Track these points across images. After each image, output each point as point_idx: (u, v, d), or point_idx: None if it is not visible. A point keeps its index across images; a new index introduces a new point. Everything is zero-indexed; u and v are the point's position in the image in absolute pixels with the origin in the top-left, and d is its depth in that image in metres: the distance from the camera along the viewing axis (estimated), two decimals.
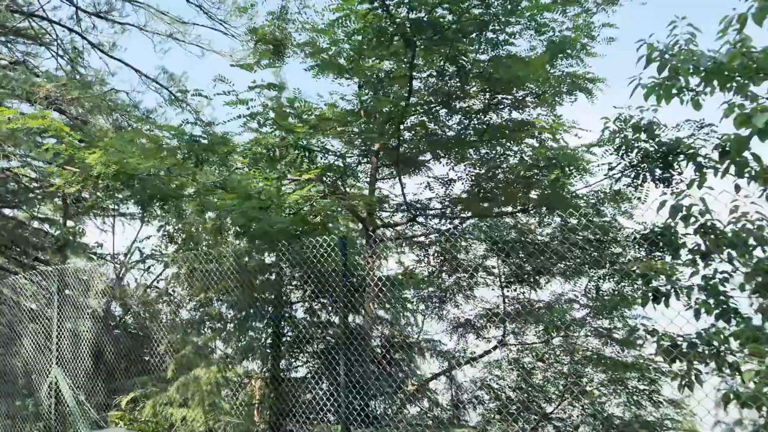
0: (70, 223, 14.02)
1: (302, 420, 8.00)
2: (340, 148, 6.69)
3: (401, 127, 5.82)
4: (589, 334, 7.59)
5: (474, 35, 5.05)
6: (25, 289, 8.98)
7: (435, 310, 8.59)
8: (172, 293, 10.51)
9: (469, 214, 7.03)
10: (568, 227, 6.17)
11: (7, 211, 12.15)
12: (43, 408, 7.58)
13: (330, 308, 7.26)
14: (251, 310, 8.23)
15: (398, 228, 7.46)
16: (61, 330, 7.56)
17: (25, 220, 12.22)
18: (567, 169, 5.57)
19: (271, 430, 7.70)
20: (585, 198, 6.35)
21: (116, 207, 13.03)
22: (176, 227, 11.95)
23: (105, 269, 11.64)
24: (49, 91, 8.67)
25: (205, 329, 8.81)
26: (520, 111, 6.15)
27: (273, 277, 8.36)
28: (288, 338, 8.29)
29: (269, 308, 8.23)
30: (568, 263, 6.37)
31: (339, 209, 6.55)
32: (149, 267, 11.69)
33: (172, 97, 11.25)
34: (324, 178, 6.73)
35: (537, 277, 6.99)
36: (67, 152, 7.17)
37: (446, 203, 7.23)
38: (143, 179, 7.15)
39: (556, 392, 7.74)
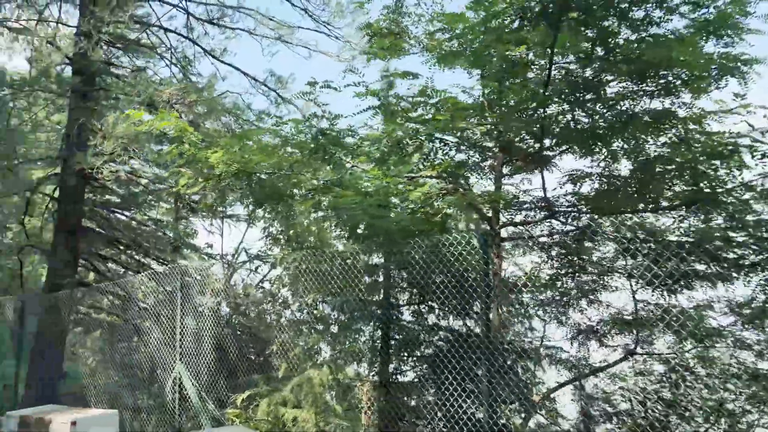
0: (176, 225, 14.63)
1: (412, 425, 7.77)
2: (458, 142, 6.37)
3: (539, 116, 5.42)
4: (730, 344, 6.86)
5: (626, 13, 4.61)
6: (147, 288, 9.33)
7: (555, 315, 8.11)
8: (277, 293, 10.62)
9: (600, 212, 6.51)
10: (724, 226, 5.53)
11: (126, 213, 12.80)
12: (167, 402, 7.77)
13: (455, 310, 6.95)
14: (356, 313, 8.12)
15: (522, 227, 7.06)
16: (183, 327, 7.74)
17: (142, 222, 12.82)
18: (752, 155, 4.96)
19: None
20: (741, 191, 5.67)
21: (224, 209, 13.45)
22: (279, 229, 12.13)
23: (216, 269, 11.98)
24: (171, 95, 8.99)
25: (313, 330, 8.80)
26: (666, 97, 5.58)
27: (381, 278, 8.22)
28: (397, 341, 8.11)
29: (378, 310, 8.08)
30: (722, 265, 5.72)
31: (462, 207, 6.24)
32: (257, 267, 11.94)
33: (279, 99, 11.46)
34: (444, 174, 6.45)
35: (680, 281, 6.36)
36: (190, 152, 7.31)
37: (574, 200, 6.75)
38: (261, 179, 7.19)
39: (697, 408, 7.04)
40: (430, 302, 8.08)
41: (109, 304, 11.04)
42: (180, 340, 7.64)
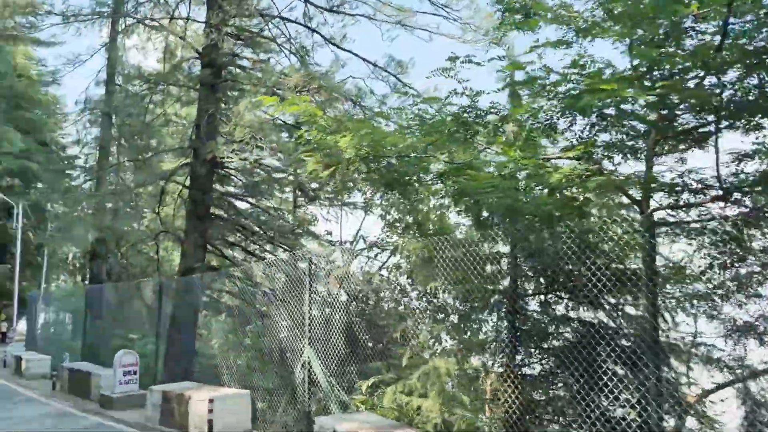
0: (295, 212, 14.98)
1: (540, 419, 7.38)
2: (613, 118, 5.80)
3: (711, 86, 4.80)
4: None
5: None
6: (273, 273, 9.55)
7: (706, 310, 7.35)
8: (396, 281, 10.51)
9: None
10: None
11: (249, 201, 13.27)
12: (297, 385, 7.90)
13: (594, 300, 6.46)
14: (476, 303, 7.83)
15: (677, 212, 6.42)
16: (311, 312, 7.81)
17: (265, 209, 13.23)
18: None
19: (508, 428, 7.19)
20: None
21: (341, 197, 13.59)
22: (397, 216, 12.02)
23: (335, 256, 12.13)
24: (297, 81, 9.11)
25: (433, 319, 8.61)
26: None
27: (506, 266, 7.86)
28: (524, 332, 7.73)
29: (503, 299, 7.75)
30: None
31: (609, 190, 5.74)
32: (376, 255, 11.93)
33: (399, 84, 11.33)
34: (589, 154, 5.96)
35: None
36: (318, 138, 7.31)
37: (736, 182, 6.02)
38: (390, 162, 7.05)
39: None
40: (560, 292, 7.62)
41: (236, 288, 11.47)
42: (309, 324, 7.71)
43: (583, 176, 5.93)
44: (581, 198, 6.08)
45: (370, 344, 10.21)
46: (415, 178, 7.52)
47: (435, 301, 8.69)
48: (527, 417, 7.09)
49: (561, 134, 5.51)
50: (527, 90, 5.45)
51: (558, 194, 6.38)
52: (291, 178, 13.19)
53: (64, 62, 14.46)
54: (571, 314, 7.61)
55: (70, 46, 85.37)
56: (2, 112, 24.02)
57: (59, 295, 22.27)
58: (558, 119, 5.45)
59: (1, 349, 23.78)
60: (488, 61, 5.42)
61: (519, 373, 7.54)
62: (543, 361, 7.82)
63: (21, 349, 18.91)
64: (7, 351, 19.66)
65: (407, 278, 9.78)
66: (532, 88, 5.32)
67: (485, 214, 7.85)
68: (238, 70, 12.07)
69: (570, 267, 6.70)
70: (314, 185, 13.10)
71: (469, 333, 8.14)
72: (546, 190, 6.53)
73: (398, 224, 12.04)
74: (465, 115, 5.63)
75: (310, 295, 7.76)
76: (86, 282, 29.86)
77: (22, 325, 26.65)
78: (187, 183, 12.70)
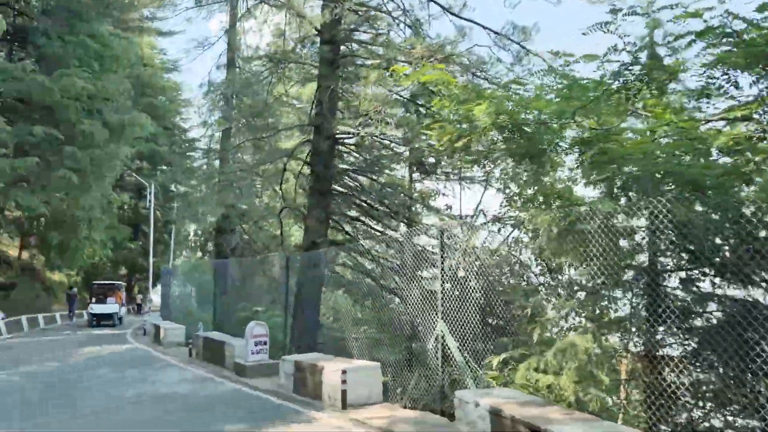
0: (412, 186, 14.89)
1: (683, 404, 6.85)
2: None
3: None
4: None
5: None
6: (401, 247, 9.53)
7: None
8: (519, 256, 10.13)
9: None
10: None
11: (372, 176, 13.34)
12: (429, 359, 7.85)
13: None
14: (609, 279, 7.36)
15: None
16: (444, 285, 7.70)
17: (386, 184, 13.25)
18: None
19: (646, 410, 6.74)
20: None
21: (460, 171, 13.34)
22: (517, 191, 11.59)
23: (457, 231, 11.94)
24: (423, 52, 8.94)
25: (561, 296, 8.23)
26: None
27: (644, 240, 7.34)
28: (669, 310, 7.20)
29: (642, 275, 7.24)
30: None
31: None
32: (499, 229, 11.59)
33: (523, 52, 10.80)
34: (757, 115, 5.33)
35: None
36: (450, 106, 7.11)
37: None
38: (526, 131, 6.72)
39: None
40: (705, 268, 6.98)
41: (358, 263, 11.60)
42: (441, 298, 7.61)
43: (755, 138, 5.32)
44: (749, 163, 5.46)
45: (492, 320, 9.98)
46: (551, 147, 7.14)
47: (560, 277, 8.32)
48: (668, 400, 6.63)
49: (744, 89, 4.91)
50: (702, 41, 4.88)
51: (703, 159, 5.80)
52: (407, 153, 13.10)
53: (194, 45, 15.16)
54: (718, 292, 7.01)
55: (188, 34, 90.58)
56: (132, 100, 25.89)
57: (184, 269, 23.78)
58: (741, 73, 4.86)
59: (140, 318, 25.94)
60: (658, 10, 4.91)
61: (659, 353, 7.06)
62: (685, 342, 7.29)
63: (158, 319, 20.43)
64: (146, 320, 21.37)
65: (534, 252, 9.42)
66: (707, 39, 4.76)
67: (618, 183, 7.36)
68: (356, 46, 12.08)
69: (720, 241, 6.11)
70: (431, 160, 12.92)
71: (598, 310, 7.74)
72: (689, 157, 5.94)
73: (518, 198, 11.61)
74: (626, 72, 5.16)
75: (442, 269, 7.63)
76: (207, 257, 31.82)
77: (156, 297, 28.91)
78: (308, 160, 12.95)
